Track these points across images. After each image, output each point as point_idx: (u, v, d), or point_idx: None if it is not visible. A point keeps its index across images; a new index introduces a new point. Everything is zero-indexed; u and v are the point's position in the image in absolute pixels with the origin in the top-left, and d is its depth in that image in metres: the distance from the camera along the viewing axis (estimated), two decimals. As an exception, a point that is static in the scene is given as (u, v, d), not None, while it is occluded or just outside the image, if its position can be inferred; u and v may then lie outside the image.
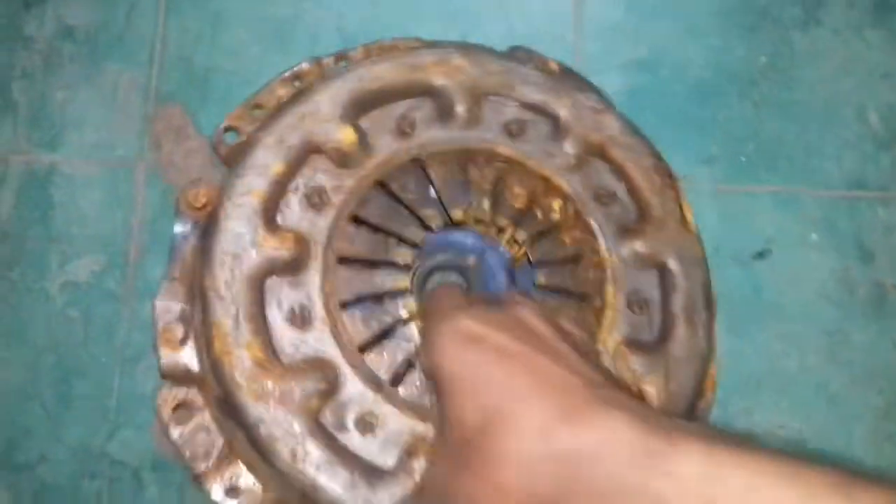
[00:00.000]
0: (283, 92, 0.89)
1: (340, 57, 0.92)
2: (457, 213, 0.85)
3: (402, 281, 0.82)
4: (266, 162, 0.80)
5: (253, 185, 0.79)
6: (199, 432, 0.81)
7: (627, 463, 0.52)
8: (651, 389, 0.81)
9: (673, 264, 0.85)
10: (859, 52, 1.06)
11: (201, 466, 0.79)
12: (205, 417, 0.81)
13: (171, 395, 0.81)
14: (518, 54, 0.94)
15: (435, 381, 0.66)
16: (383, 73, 0.85)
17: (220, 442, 0.80)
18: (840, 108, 1.04)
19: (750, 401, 0.94)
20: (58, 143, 0.97)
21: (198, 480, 0.79)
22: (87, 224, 0.95)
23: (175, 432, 0.80)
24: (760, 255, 0.97)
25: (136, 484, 0.88)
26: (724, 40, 1.05)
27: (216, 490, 0.79)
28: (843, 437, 0.94)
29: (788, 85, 1.04)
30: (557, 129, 0.88)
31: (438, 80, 0.86)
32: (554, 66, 0.95)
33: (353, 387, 0.76)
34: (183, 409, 0.81)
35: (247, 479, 0.79)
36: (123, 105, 0.98)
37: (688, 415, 0.83)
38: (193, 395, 0.81)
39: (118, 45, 1.00)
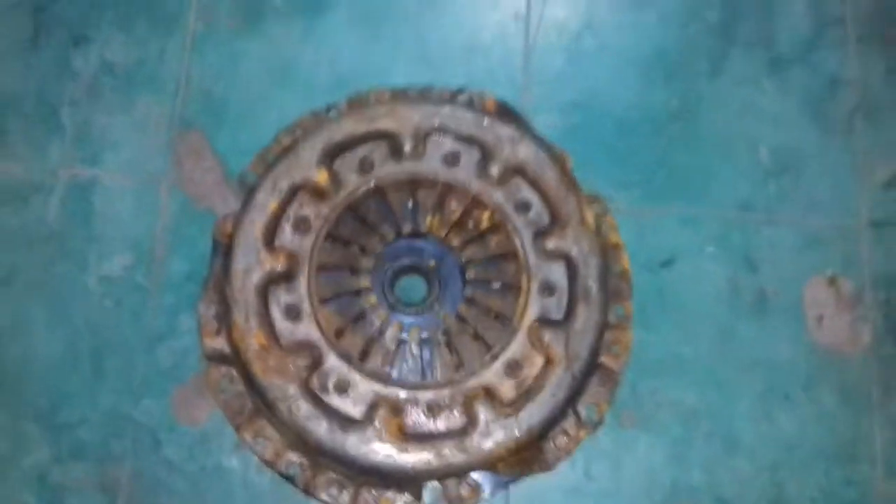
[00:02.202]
0: (286, 140, 1.17)
1: (329, 108, 1.19)
2: (410, 227, 1.13)
3: (367, 281, 1.11)
4: (264, 202, 1.10)
5: (255, 219, 1.09)
6: (235, 397, 1.09)
7: None
8: (556, 354, 1.05)
9: (575, 256, 1.09)
10: (755, 99, 1.25)
11: (238, 420, 1.08)
12: (239, 387, 1.09)
13: (217, 371, 1.10)
14: (461, 95, 1.19)
15: None
16: (348, 126, 1.13)
17: (249, 403, 1.08)
18: (736, 143, 1.23)
19: (656, 382, 1.14)
20: (98, 160, 1.22)
21: (236, 430, 1.08)
22: (120, 227, 1.19)
23: (219, 397, 1.09)
24: (666, 263, 1.18)
25: (155, 443, 1.12)
26: (644, 87, 1.26)
27: (248, 436, 1.07)
28: (728, 413, 1.14)
29: (695, 124, 1.24)
30: (484, 155, 1.13)
31: (390, 126, 1.13)
32: (491, 104, 1.19)
33: (331, 361, 1.05)
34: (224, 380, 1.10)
35: (269, 430, 1.07)
36: (153, 130, 1.23)
37: (589, 368, 1.06)
38: (229, 370, 1.09)
39: (150, 80, 1.25)
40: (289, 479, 1.05)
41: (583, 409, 1.07)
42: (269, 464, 1.06)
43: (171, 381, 1.12)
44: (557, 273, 1.09)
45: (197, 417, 1.11)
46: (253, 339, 1.04)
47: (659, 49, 1.28)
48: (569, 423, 1.07)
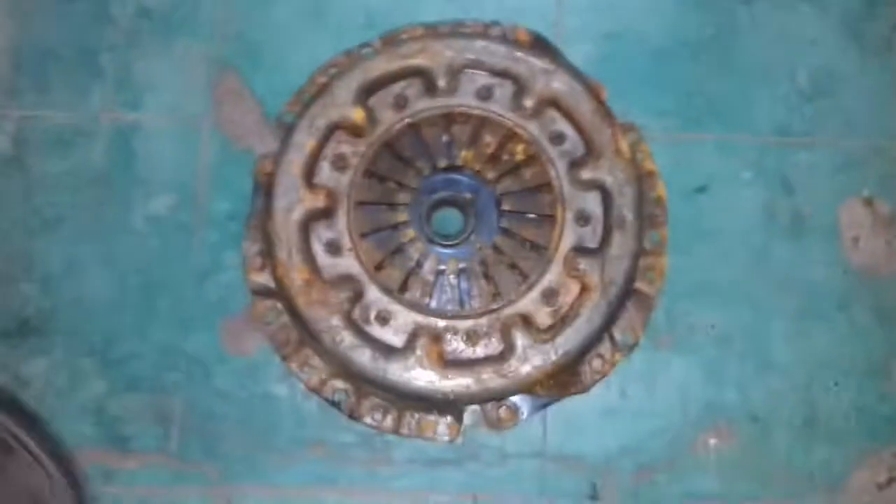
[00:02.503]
0: (321, 79, 1.18)
1: (363, 45, 1.20)
2: (446, 161, 1.14)
3: (404, 215, 1.13)
4: (302, 141, 1.12)
5: (294, 158, 1.11)
6: (281, 329, 1.13)
7: None
8: (592, 281, 1.08)
9: (610, 185, 1.10)
10: (793, 23, 1.23)
11: (284, 350, 1.13)
12: (284, 319, 1.13)
13: (263, 304, 1.14)
14: (493, 29, 1.19)
15: None
16: (382, 64, 1.14)
17: (294, 335, 1.13)
18: (773, 68, 1.22)
19: (690, 304, 1.16)
20: (139, 104, 1.25)
21: (283, 360, 1.13)
22: (163, 169, 1.23)
23: (266, 329, 1.13)
24: (701, 189, 1.18)
25: (206, 374, 1.17)
26: (679, 14, 1.24)
27: (295, 366, 1.12)
28: (762, 333, 1.16)
29: (731, 50, 1.23)
30: (518, 88, 1.13)
31: (423, 63, 1.13)
32: (524, 36, 1.18)
33: (372, 293, 1.09)
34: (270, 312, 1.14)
35: (314, 359, 1.12)
36: (191, 72, 1.25)
37: (624, 293, 1.09)
38: (275, 304, 1.13)
39: (186, 23, 1.27)
40: (334, 404, 1.10)
41: (618, 334, 1.10)
42: (316, 391, 1.11)
43: (219, 314, 1.17)
44: (592, 202, 1.10)
45: (245, 349, 1.16)
46: (296, 274, 1.08)
47: (694, -27, 1.26)
48: (604, 347, 1.10)
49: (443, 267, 1.12)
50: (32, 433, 1.09)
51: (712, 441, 1.14)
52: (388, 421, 1.09)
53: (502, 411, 1.08)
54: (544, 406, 1.09)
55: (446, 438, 1.09)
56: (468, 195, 1.15)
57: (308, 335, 1.09)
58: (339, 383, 1.10)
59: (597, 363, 1.09)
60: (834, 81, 1.22)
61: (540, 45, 1.18)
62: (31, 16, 1.26)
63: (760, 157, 1.20)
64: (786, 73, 1.23)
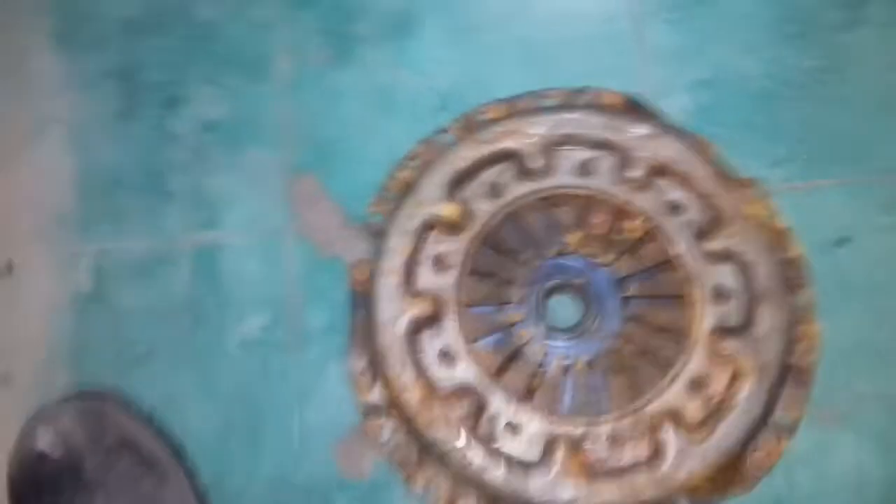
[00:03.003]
0: (403, 175, 1.10)
1: (440, 131, 1.12)
2: (555, 248, 1.05)
3: (519, 314, 1.04)
4: (397, 247, 1.04)
5: (392, 266, 1.04)
6: (400, 447, 1.04)
7: None
8: (744, 366, 0.97)
9: (745, 255, 1.00)
10: None
11: (406, 470, 1.03)
12: (401, 436, 1.04)
13: (377, 423, 1.05)
14: (580, 97, 1.10)
15: None
16: (468, 153, 1.06)
17: (415, 452, 1.03)
18: (891, 96, 1.11)
19: (848, 374, 1.03)
20: (216, 222, 1.18)
21: (406, 480, 1.03)
22: (251, 287, 1.15)
23: (383, 449, 1.04)
24: (840, 242, 1.06)
25: (325, 502, 1.07)
26: (776, 50, 1.14)
27: (419, 485, 1.02)
28: (941, 401, 1.03)
29: (843, 82, 1.12)
30: (622, 159, 1.04)
31: (513, 145, 1.06)
32: (616, 100, 1.10)
33: (496, 403, 0.99)
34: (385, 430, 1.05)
35: (439, 477, 1.02)
36: (265, 181, 1.18)
37: (783, 376, 0.98)
38: (389, 420, 1.04)
39: (252, 130, 1.20)
40: (467, 527, 1.01)
41: (777, 418, 0.99)
42: (446, 511, 1.01)
43: (330, 437, 1.08)
44: (727, 275, 1.00)
45: (362, 470, 1.07)
46: (411, 392, 0.99)
47: (784, 4, 1.16)
48: (765, 436, 0.98)
49: (568, 363, 1.02)
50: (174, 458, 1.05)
51: (898, 526, 1.01)
52: (528, 539, 0.98)
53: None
54: (708, 511, 0.98)
55: (595, 556, 0.97)
56: (581, 280, 1.05)
57: (431, 455, 0.99)
58: (470, 501, 0.99)
59: (759, 455, 0.97)
60: (965, 104, 1.10)
61: (634, 106, 1.09)
62: (92, 144, 1.21)
63: (894, 198, 1.09)
64: (906, 100, 1.12)
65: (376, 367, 1.02)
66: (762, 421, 0.96)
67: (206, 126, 1.20)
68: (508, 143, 1.05)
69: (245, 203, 1.17)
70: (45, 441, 1.00)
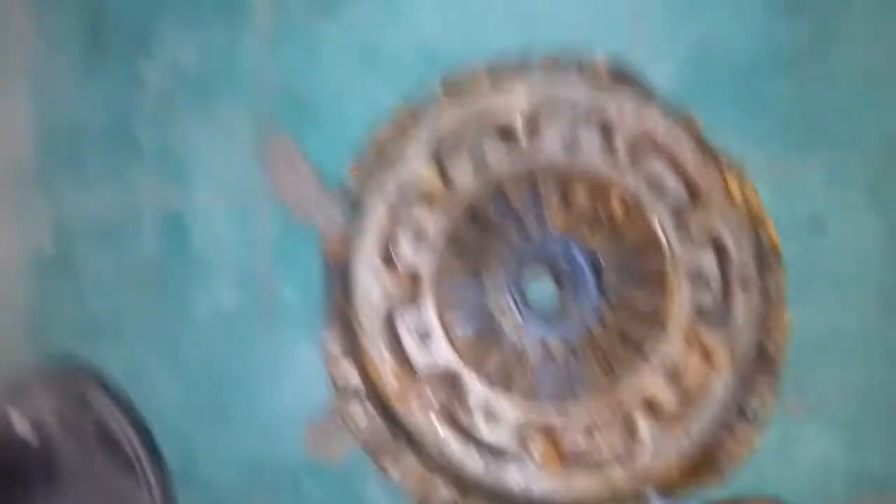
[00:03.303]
0: (384, 137, 1.05)
1: (425, 93, 1.06)
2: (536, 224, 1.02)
3: (499, 295, 1.01)
4: (376, 216, 1.00)
5: (369, 238, 1.00)
6: (374, 431, 1.02)
7: None
8: (719, 354, 0.97)
9: (725, 239, 0.99)
10: (894, 22, 1.10)
11: (379, 455, 1.01)
12: (377, 421, 1.02)
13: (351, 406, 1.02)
14: (568, 62, 1.05)
15: None
16: (453, 121, 1.01)
17: (390, 437, 1.01)
18: (877, 76, 1.08)
19: (817, 362, 1.04)
20: (185, 180, 1.12)
21: (379, 465, 1.02)
22: (222, 252, 1.10)
23: (357, 432, 1.02)
24: (815, 224, 1.05)
25: (295, 488, 1.06)
26: (767, 23, 1.10)
27: (393, 472, 1.01)
28: (906, 389, 1.03)
29: (827, 60, 1.09)
30: (607, 132, 1.01)
31: (497, 111, 1.02)
32: (603, 67, 1.05)
33: (475, 388, 0.98)
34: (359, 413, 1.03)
35: (414, 463, 1.00)
36: (238, 138, 1.12)
37: (758, 364, 0.98)
38: (364, 403, 1.02)
39: (228, 82, 1.12)
40: (441, 511, 1.01)
41: (750, 407, 0.99)
42: (418, 499, 1.01)
43: (302, 419, 1.06)
44: (707, 260, 0.98)
45: (335, 454, 1.05)
46: (389, 375, 0.97)
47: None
48: (739, 426, 0.99)
49: (547, 347, 1.00)
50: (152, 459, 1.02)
51: (863, 516, 1.03)
52: (502, 526, 0.99)
53: (632, 508, 0.98)
54: (679, 499, 0.98)
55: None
56: (562, 262, 1.03)
57: (407, 441, 0.98)
58: (445, 488, 0.99)
59: (732, 445, 0.98)
60: (949, 83, 1.09)
61: (622, 75, 1.05)
62: (54, 93, 1.14)
63: (877, 179, 1.07)
64: (892, 81, 1.09)
65: (351, 346, 1.00)
66: (736, 410, 0.97)
67: (176, 74, 1.12)
68: (493, 109, 1.01)
69: (216, 160, 1.11)
70: (22, 426, 0.96)
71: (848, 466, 1.04)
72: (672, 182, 1.01)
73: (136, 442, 1.00)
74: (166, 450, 1.06)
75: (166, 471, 1.03)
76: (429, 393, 0.96)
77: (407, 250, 1.00)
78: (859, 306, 1.06)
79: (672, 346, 0.97)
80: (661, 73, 1.09)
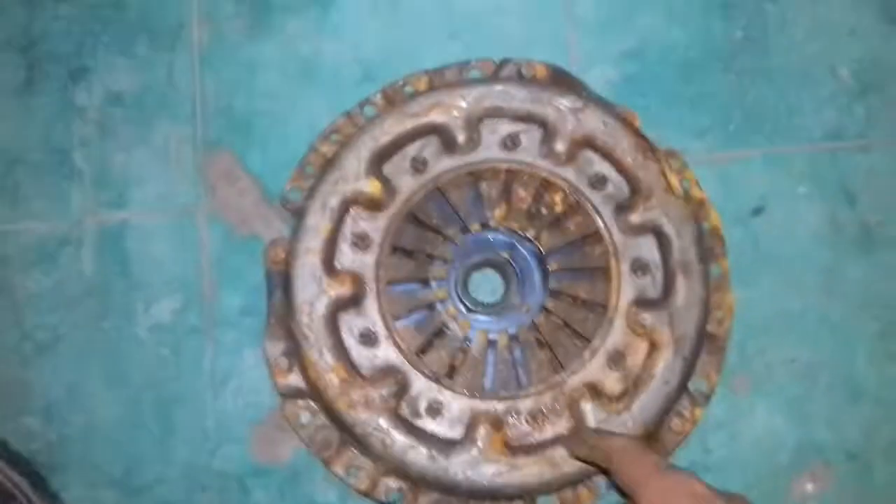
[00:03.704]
0: (324, 149, 1.05)
1: (363, 105, 1.07)
2: (478, 223, 1.03)
3: (442, 291, 1.02)
4: (316, 224, 0.99)
5: (311, 245, 0.99)
6: (319, 430, 1.01)
7: None
8: (662, 338, 0.97)
9: (665, 227, 0.99)
10: (825, 15, 1.12)
11: (325, 454, 1.01)
12: (321, 420, 1.01)
13: (295, 407, 1.02)
14: (505, 68, 1.06)
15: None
16: (391, 126, 1.01)
17: (335, 435, 1.01)
18: (813, 68, 1.11)
19: (762, 341, 1.06)
20: (124, 201, 1.11)
21: (325, 464, 1.01)
22: (162, 269, 1.10)
23: (302, 432, 1.01)
24: (757, 211, 1.08)
25: (242, 490, 1.05)
26: (702, 20, 1.13)
27: (339, 469, 1.00)
28: (847, 361, 1.06)
29: (765, 53, 1.12)
30: (546, 132, 1.01)
31: (438, 119, 1.01)
32: (541, 71, 1.06)
33: (418, 383, 0.97)
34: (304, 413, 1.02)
35: (360, 460, 1.00)
36: (176, 158, 1.12)
37: (699, 345, 0.99)
38: (308, 403, 1.01)
39: (163, 104, 1.13)
40: (390, 506, 1.00)
41: (693, 386, 1.00)
42: (367, 494, 0.99)
43: (246, 422, 1.05)
44: (648, 248, 0.99)
45: (280, 455, 1.04)
46: (332, 375, 0.96)
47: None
48: (682, 405, 0.99)
49: (493, 337, 1.01)
50: (44, 500, 1.01)
51: (809, 486, 1.04)
52: (453, 518, 0.98)
53: (582, 492, 0.97)
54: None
55: (517, 530, 0.98)
56: (505, 255, 1.03)
57: (353, 438, 0.97)
58: (392, 482, 0.98)
59: (676, 423, 0.99)
60: (881, 73, 1.12)
61: (560, 78, 1.06)
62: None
63: (814, 168, 1.10)
64: (828, 72, 1.12)
65: (294, 350, 0.99)
66: (679, 390, 0.97)
67: (113, 99, 1.12)
68: (433, 117, 1.01)
69: (155, 180, 1.11)
70: None
71: (794, 440, 1.05)
72: (612, 176, 1.01)
73: (25, 487, 0.99)
74: (110, 466, 1.05)
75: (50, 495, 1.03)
76: (372, 391, 0.95)
77: (349, 255, 1.00)
78: (802, 288, 1.08)
79: (615, 332, 0.97)
80: (599, 74, 1.11)
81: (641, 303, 0.98)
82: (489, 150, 1.01)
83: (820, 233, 1.08)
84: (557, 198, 1.01)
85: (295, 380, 1.00)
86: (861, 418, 1.05)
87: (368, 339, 0.98)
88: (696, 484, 0.75)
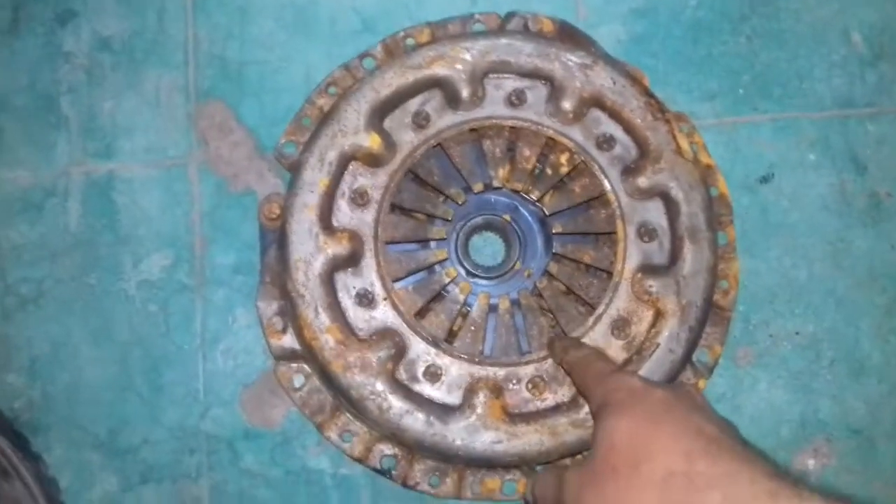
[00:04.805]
0: (321, 101, 1.02)
1: (364, 55, 1.03)
2: (481, 183, 0.98)
3: (442, 253, 0.98)
4: (313, 179, 0.95)
5: (307, 200, 0.95)
6: (313, 394, 0.99)
7: (750, 495, 0.60)
8: (668, 306, 0.94)
9: (674, 192, 0.96)
10: None
11: (319, 418, 0.98)
12: (315, 382, 0.98)
13: (288, 369, 0.99)
14: (511, 21, 1.02)
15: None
16: (392, 79, 0.97)
17: (329, 399, 0.98)
18: (825, 32, 1.08)
19: (767, 313, 1.04)
20: (112, 151, 1.07)
21: (319, 428, 0.98)
22: (151, 223, 1.06)
23: (295, 396, 0.98)
24: (764, 179, 1.05)
25: (232, 453, 1.02)
26: None
27: (333, 434, 0.98)
28: (851, 335, 1.04)
29: (776, 16, 1.08)
30: (553, 89, 0.98)
31: (441, 72, 0.97)
32: (548, 25, 1.03)
33: (417, 346, 0.94)
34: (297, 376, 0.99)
35: (355, 425, 0.97)
36: (167, 107, 1.07)
37: (705, 315, 0.96)
38: (301, 366, 0.98)
39: (154, 50, 1.08)
40: (384, 473, 0.96)
41: (696, 356, 0.97)
42: (361, 460, 0.97)
43: (237, 383, 1.02)
44: (656, 213, 0.96)
45: (272, 419, 1.02)
46: (327, 336, 0.92)
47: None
48: (686, 376, 0.96)
49: (494, 301, 0.98)
50: (26, 461, 0.98)
51: (811, 462, 1.02)
52: (448, 485, 0.95)
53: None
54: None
55: (516, 497, 0.95)
56: (507, 218, 1.00)
57: (347, 402, 0.94)
58: (387, 448, 0.96)
59: (680, 394, 0.96)
60: (894, 40, 1.08)
61: (568, 33, 1.03)
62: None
63: (824, 135, 1.07)
64: (840, 37, 1.09)
65: (289, 310, 0.95)
66: (684, 361, 0.95)
67: (101, 44, 1.08)
68: (435, 70, 0.97)
69: (144, 130, 1.06)
70: None
71: (797, 412, 1.03)
72: (619, 138, 0.98)
73: (5, 447, 0.97)
74: (95, 426, 1.01)
75: (42, 466, 1.00)
76: (369, 354, 0.92)
77: (347, 212, 0.96)
78: (808, 259, 1.06)
79: (620, 298, 0.94)
80: (607, 32, 1.07)
81: (647, 269, 0.95)
82: (494, 106, 0.98)
83: (828, 203, 1.06)
84: (563, 158, 0.98)
85: (289, 341, 0.97)
86: (865, 394, 1.03)
87: (366, 299, 0.94)
88: (634, 380, 0.75)
